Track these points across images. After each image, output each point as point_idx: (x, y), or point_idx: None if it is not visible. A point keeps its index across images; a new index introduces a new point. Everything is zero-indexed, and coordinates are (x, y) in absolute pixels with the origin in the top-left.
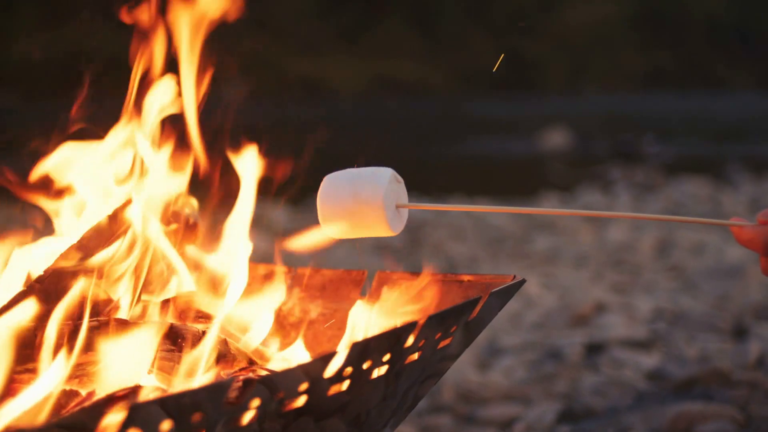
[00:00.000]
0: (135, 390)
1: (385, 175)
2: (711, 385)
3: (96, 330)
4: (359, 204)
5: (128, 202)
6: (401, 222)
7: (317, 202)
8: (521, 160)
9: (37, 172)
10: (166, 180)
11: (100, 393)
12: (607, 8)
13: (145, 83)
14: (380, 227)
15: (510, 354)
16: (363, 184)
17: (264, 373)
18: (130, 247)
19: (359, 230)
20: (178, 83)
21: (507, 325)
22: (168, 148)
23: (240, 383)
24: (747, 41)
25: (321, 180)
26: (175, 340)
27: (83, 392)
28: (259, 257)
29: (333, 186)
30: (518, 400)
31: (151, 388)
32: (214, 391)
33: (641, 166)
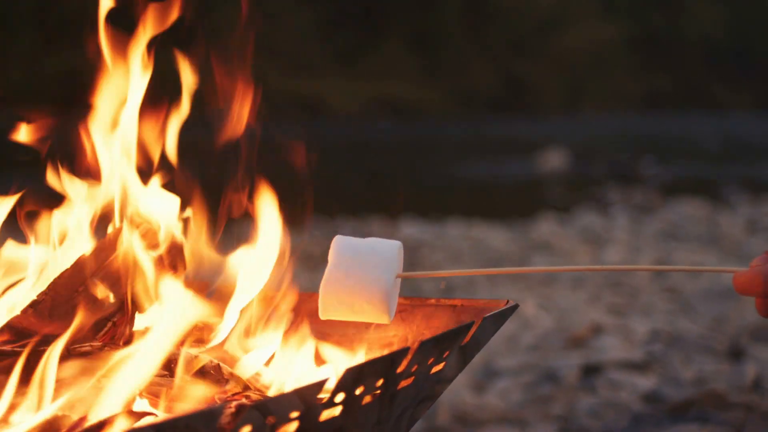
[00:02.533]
0: (127, 415)
1: (394, 251)
2: (707, 407)
3: (88, 355)
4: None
5: (122, 228)
6: (394, 308)
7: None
8: (519, 182)
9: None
10: (159, 205)
11: (92, 418)
12: (605, 31)
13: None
14: (378, 318)
15: (506, 376)
16: (369, 274)
17: (257, 397)
18: (124, 272)
19: (357, 315)
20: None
21: (503, 347)
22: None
23: (233, 408)
24: (744, 62)
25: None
26: (168, 365)
27: (75, 417)
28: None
29: (337, 278)
30: (514, 423)
31: (144, 414)
32: (208, 416)
33: (639, 188)
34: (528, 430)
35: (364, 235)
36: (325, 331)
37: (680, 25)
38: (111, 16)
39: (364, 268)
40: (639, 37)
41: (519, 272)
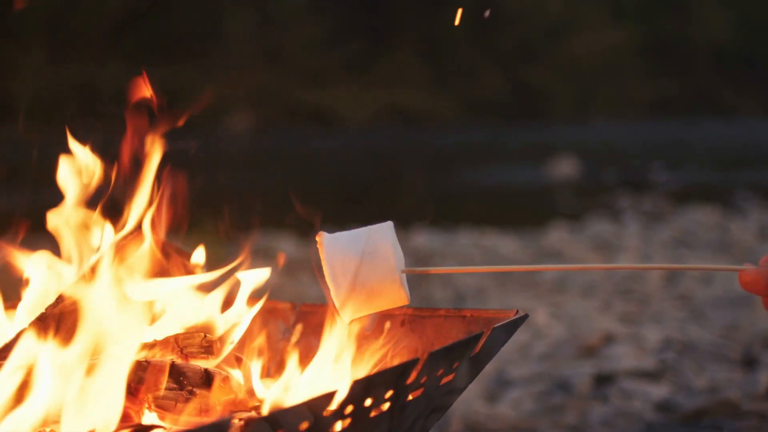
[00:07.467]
0: (137, 429)
1: (389, 232)
2: (720, 415)
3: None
4: (372, 275)
5: (131, 237)
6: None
7: (327, 279)
8: (529, 189)
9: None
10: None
11: None
12: (613, 37)
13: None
14: (397, 297)
15: (518, 385)
16: (371, 252)
17: (266, 410)
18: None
19: (376, 304)
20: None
21: (515, 356)
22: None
23: (243, 421)
24: (754, 68)
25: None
26: (177, 378)
27: None
28: (264, 291)
29: (339, 263)
30: None
31: (153, 427)
32: (217, 428)
33: (650, 195)
34: None
35: None
36: (334, 341)
37: (689, 30)
38: None
39: (366, 257)
40: (648, 43)
41: (521, 270)
